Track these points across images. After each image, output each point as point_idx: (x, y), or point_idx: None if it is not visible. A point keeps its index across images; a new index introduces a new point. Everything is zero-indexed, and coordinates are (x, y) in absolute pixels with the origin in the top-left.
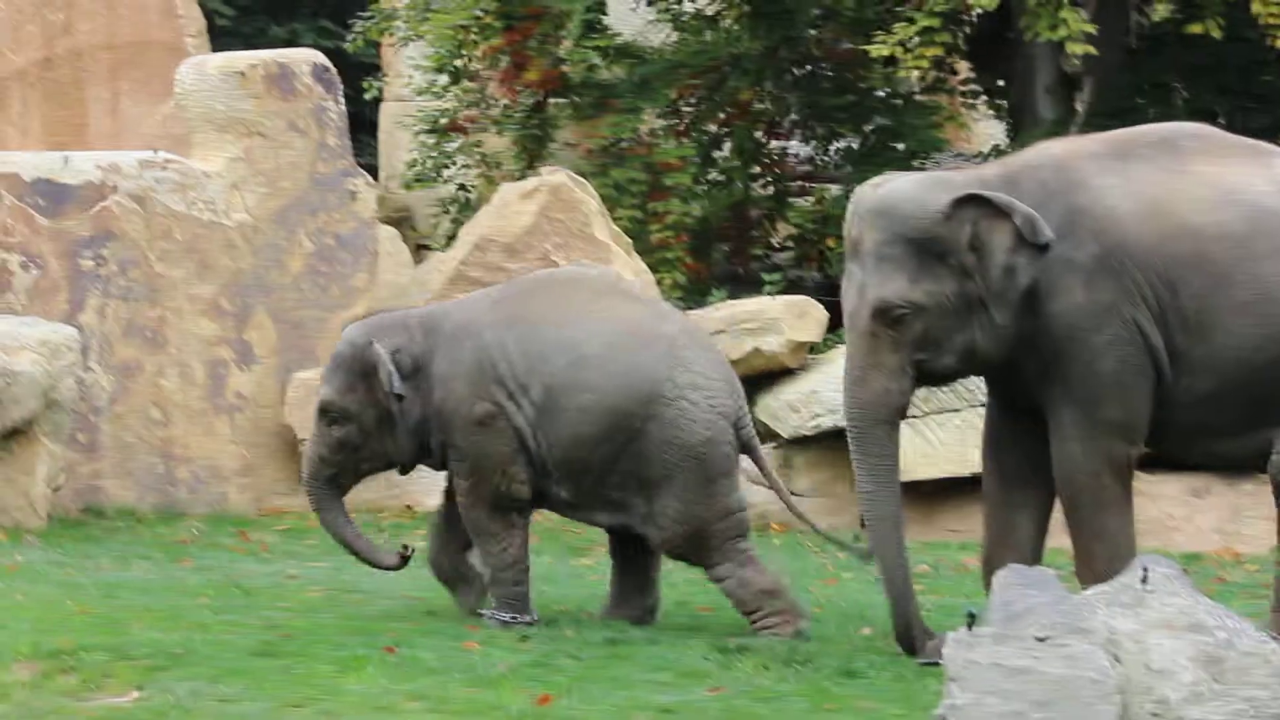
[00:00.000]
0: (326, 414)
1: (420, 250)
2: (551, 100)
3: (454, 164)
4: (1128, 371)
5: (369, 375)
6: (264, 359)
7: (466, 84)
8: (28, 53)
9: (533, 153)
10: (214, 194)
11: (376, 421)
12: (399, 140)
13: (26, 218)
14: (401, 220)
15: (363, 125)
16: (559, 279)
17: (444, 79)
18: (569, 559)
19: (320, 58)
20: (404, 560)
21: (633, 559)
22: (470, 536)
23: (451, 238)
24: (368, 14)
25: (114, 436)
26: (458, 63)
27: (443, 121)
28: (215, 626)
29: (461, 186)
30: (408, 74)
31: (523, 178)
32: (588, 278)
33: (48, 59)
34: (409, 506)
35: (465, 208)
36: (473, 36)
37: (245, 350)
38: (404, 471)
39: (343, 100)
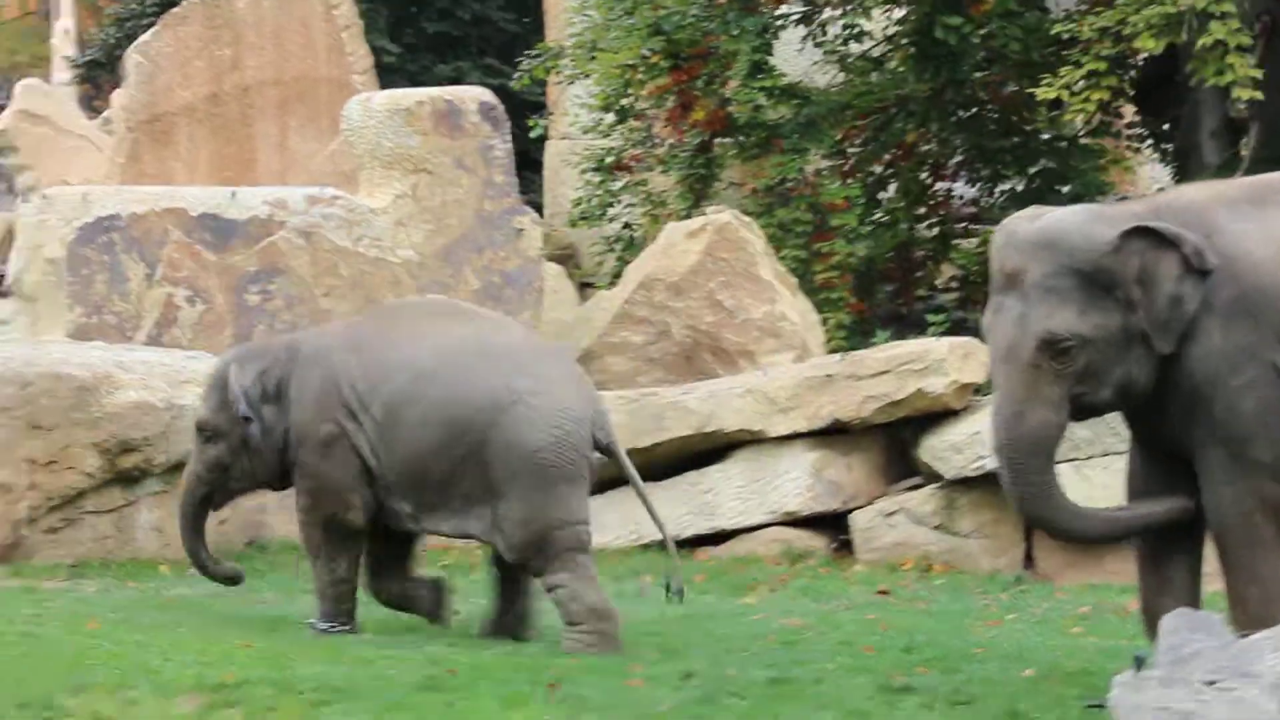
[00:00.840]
0: (201, 432)
1: (584, 288)
2: (717, 140)
3: (619, 202)
4: (1270, 411)
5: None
6: None
7: (632, 123)
8: (196, 88)
9: (698, 192)
10: (380, 230)
11: (242, 441)
12: (564, 178)
13: (193, 252)
14: (566, 258)
15: (527, 163)
16: (403, 306)
17: (610, 118)
18: (732, 598)
19: (487, 95)
20: (236, 578)
21: (504, 570)
22: (303, 550)
23: (616, 276)
24: (534, 52)
25: None
26: (624, 101)
27: (609, 160)
28: (379, 661)
29: (626, 225)
30: (574, 112)
31: (688, 217)
32: (429, 303)
33: (215, 95)
34: None
35: (630, 246)
36: (639, 76)
37: None
38: (276, 489)
39: (509, 138)
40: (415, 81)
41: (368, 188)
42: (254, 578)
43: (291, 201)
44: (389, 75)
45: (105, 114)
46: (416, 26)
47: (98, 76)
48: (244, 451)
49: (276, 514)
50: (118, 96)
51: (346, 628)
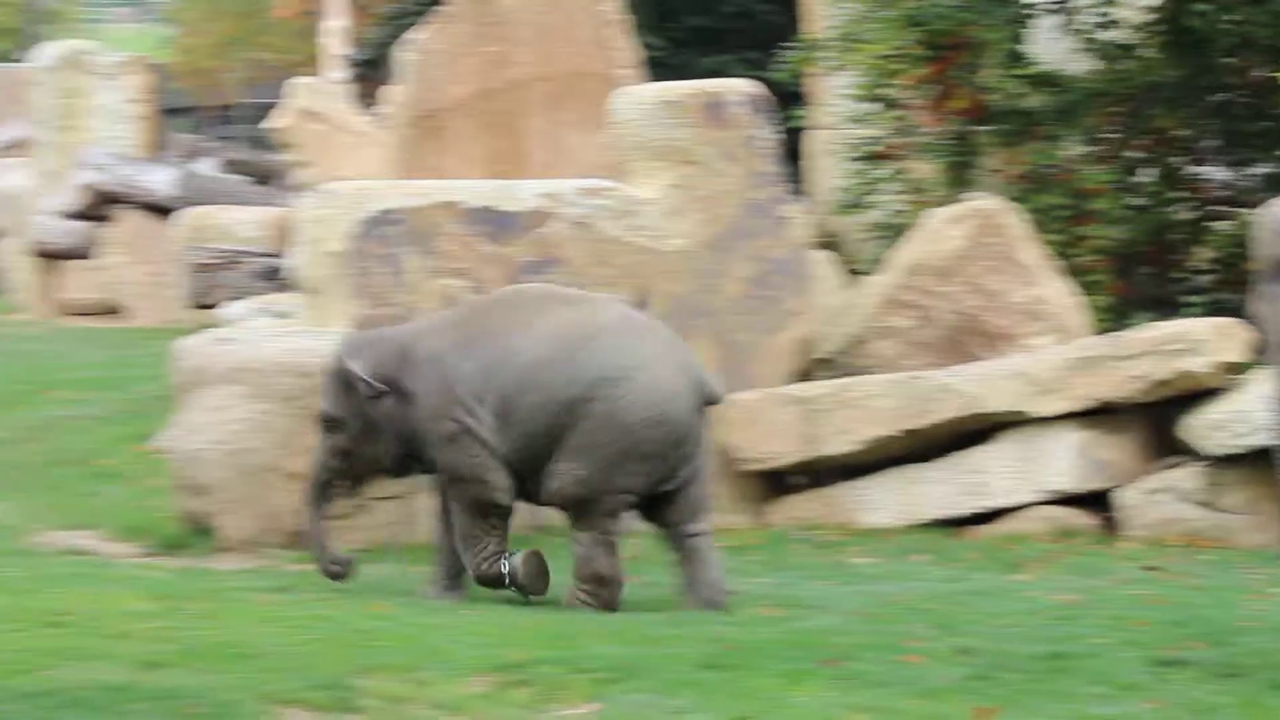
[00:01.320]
0: (324, 424)
1: (852, 275)
2: (976, 128)
3: (882, 190)
4: None
5: (351, 387)
6: None
7: (893, 112)
8: (468, 84)
9: (959, 179)
10: (651, 220)
11: (363, 429)
12: (825, 167)
13: (470, 244)
14: (831, 245)
15: (788, 152)
16: (508, 295)
17: (873, 107)
18: (1003, 575)
19: (752, 87)
20: (342, 573)
21: (681, 544)
22: (457, 540)
23: (878, 262)
24: (794, 45)
25: None
26: (884, 91)
27: (871, 149)
28: (664, 639)
29: (889, 212)
30: (834, 102)
31: (949, 203)
32: (531, 290)
33: (487, 90)
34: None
35: (894, 233)
36: (898, 66)
37: None
38: (396, 476)
39: (774, 128)
40: (679, 75)
41: (637, 179)
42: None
43: (565, 193)
44: (654, 69)
45: (379, 110)
46: (680, 21)
47: (370, 74)
48: (365, 438)
49: None
50: (392, 93)
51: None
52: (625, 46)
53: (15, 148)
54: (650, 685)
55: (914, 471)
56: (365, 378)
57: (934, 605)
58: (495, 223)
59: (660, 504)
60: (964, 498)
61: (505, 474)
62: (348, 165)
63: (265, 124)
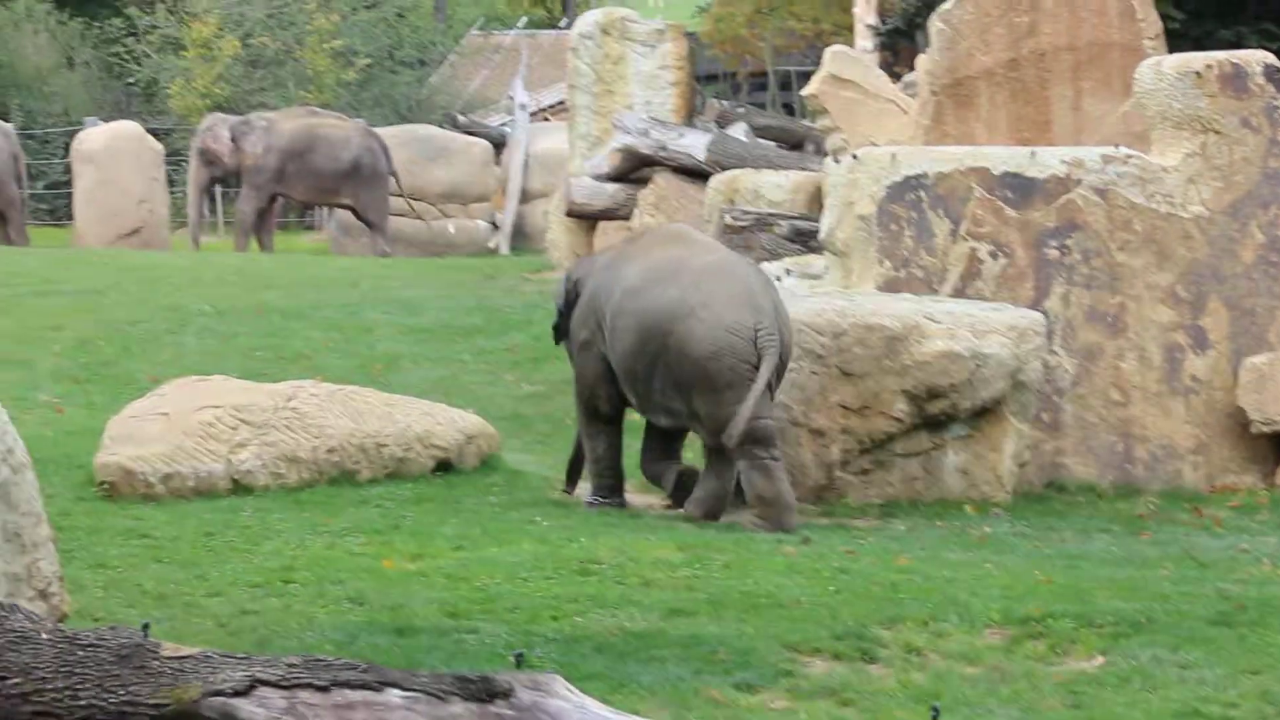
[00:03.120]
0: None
1: None
2: None
3: None
4: None
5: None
6: (1217, 344)
7: None
8: (995, 53)
9: None
10: (1171, 188)
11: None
12: None
13: (995, 209)
14: None
15: None
16: (645, 233)
17: None
18: None
19: (1271, 59)
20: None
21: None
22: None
23: None
24: None
25: (1076, 416)
26: None
27: None
28: (1174, 597)
29: None
30: None
31: None
32: (664, 230)
33: (1014, 60)
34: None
35: None
36: None
37: (1200, 336)
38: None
39: None
40: (1198, 46)
41: (1159, 147)
42: (1053, 518)
43: (1088, 160)
44: (1173, 40)
45: (906, 78)
46: None
47: (897, 43)
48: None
49: (1074, 456)
50: (921, 61)
51: (611, 502)
52: (1150, 18)
53: (554, 111)
54: (1160, 640)
55: None
56: (562, 287)
57: None
58: (1020, 188)
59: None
60: None
61: (613, 386)
62: (876, 131)
63: (796, 91)
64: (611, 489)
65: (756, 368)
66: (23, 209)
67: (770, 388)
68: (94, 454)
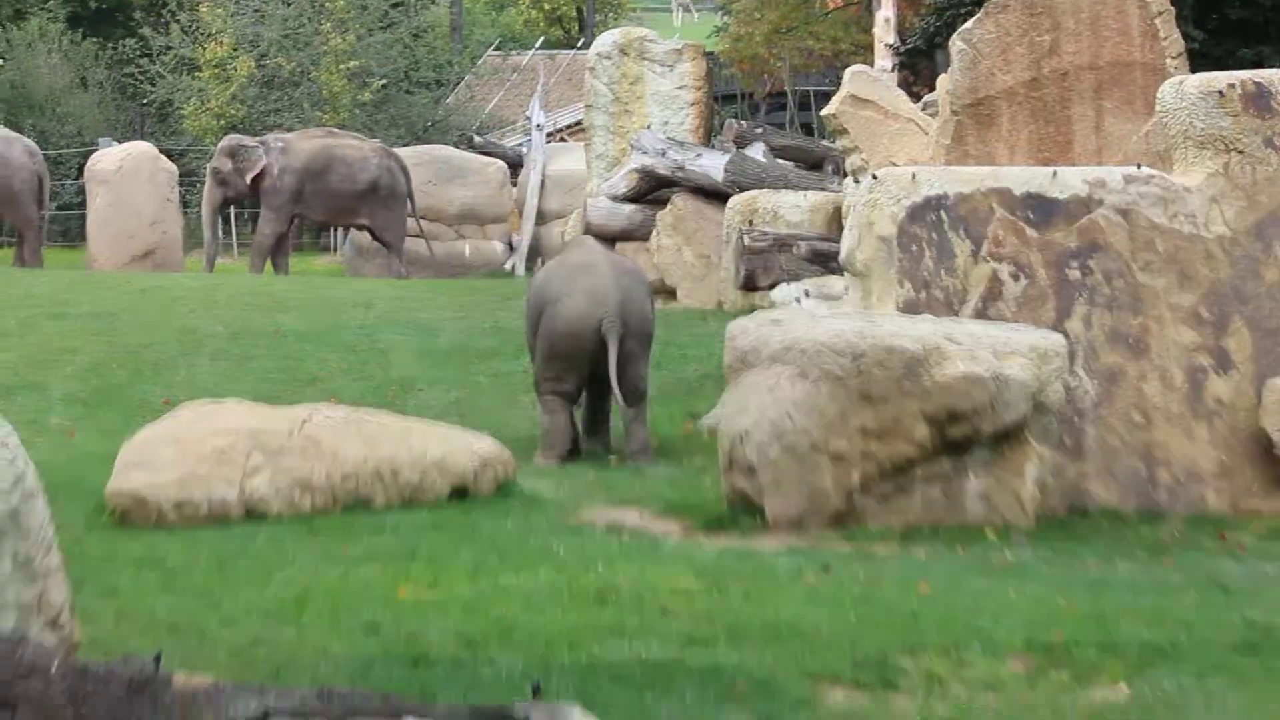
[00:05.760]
0: None
1: None
2: None
3: None
4: None
5: None
6: (1240, 366)
7: None
8: (1016, 73)
9: None
10: (1194, 208)
11: None
12: None
13: (1017, 230)
14: None
15: None
16: (571, 242)
17: None
18: None
19: None
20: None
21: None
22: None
23: None
24: None
25: (1098, 439)
26: None
27: None
28: (1199, 624)
29: None
30: None
31: None
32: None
33: (1035, 79)
34: None
35: None
36: None
37: (1223, 357)
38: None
39: None
40: (1220, 65)
41: (1181, 167)
42: (1076, 543)
43: (1110, 180)
44: (1194, 60)
45: (926, 98)
46: (1221, 12)
47: (917, 63)
48: None
49: (1096, 480)
50: (941, 81)
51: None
52: (1172, 37)
53: (571, 131)
54: (1185, 668)
55: None
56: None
57: None
58: (1041, 209)
59: (597, 389)
60: None
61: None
62: (896, 151)
63: (815, 111)
64: (559, 457)
65: (602, 345)
66: (41, 231)
67: (635, 356)
68: (106, 480)
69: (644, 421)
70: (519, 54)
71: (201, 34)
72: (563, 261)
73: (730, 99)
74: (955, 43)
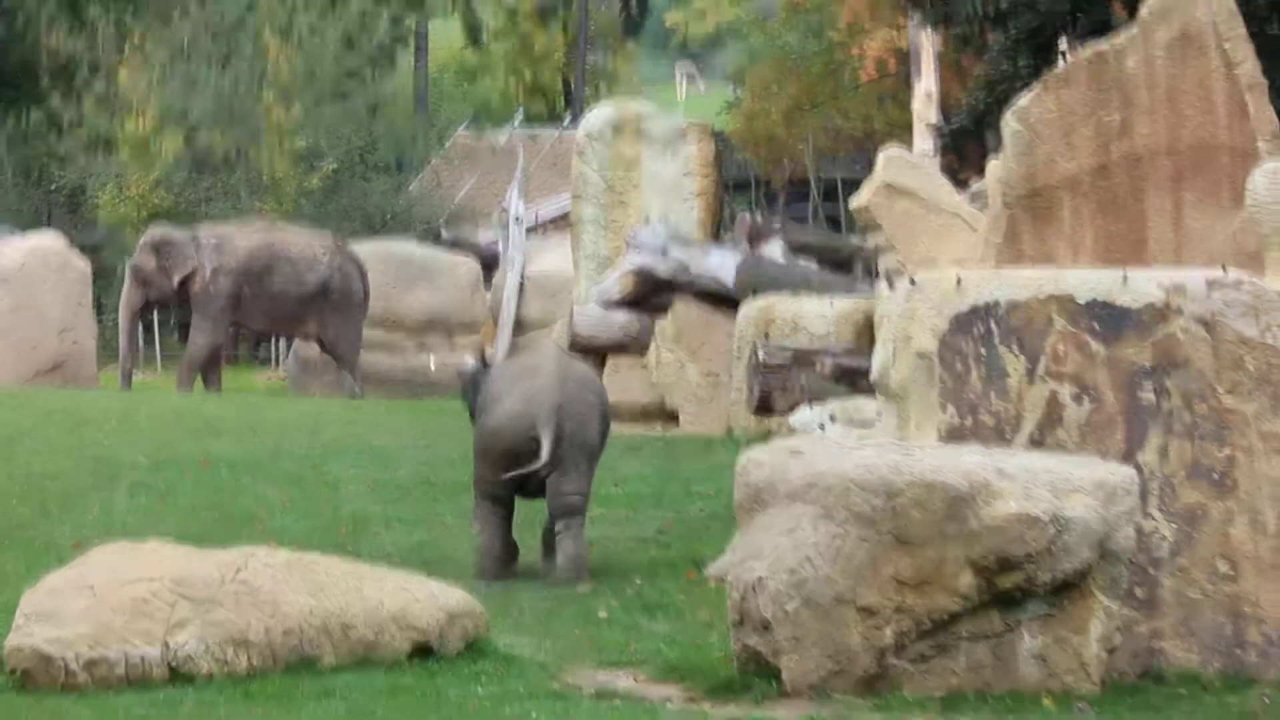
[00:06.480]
0: None
1: None
2: None
3: None
4: None
5: None
6: None
7: None
8: (1081, 158)
9: None
10: None
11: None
12: None
13: (1080, 344)
14: None
15: None
16: (529, 340)
17: None
18: None
19: None
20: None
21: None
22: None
23: None
24: None
25: (1176, 591)
26: None
27: None
28: None
29: None
30: None
31: None
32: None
33: (1103, 166)
34: None
35: None
36: None
37: None
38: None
39: None
40: None
41: (1275, 270)
42: (1149, 713)
43: (1190, 285)
44: None
45: (974, 187)
46: None
47: (964, 145)
48: None
49: (1173, 639)
50: (992, 168)
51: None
52: (1265, 115)
53: (556, 224)
54: None
55: None
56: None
57: None
58: (1109, 320)
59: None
60: None
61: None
62: (939, 250)
63: (843, 202)
64: (485, 573)
65: (533, 451)
66: None
67: (571, 466)
68: (4, 636)
69: (576, 538)
70: (494, 132)
71: (120, 106)
72: (511, 362)
73: (743, 187)
74: (1009, 122)
